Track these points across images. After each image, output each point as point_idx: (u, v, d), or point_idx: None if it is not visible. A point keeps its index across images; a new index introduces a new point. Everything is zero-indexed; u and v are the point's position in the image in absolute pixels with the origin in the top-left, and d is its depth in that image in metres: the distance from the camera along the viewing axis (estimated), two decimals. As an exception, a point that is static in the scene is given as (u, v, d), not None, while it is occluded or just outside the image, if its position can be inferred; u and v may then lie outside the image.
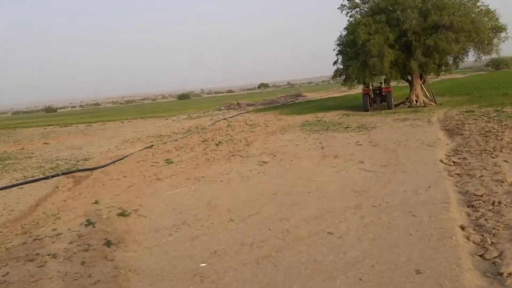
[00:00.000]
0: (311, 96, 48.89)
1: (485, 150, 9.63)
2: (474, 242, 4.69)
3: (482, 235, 4.85)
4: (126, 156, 13.57)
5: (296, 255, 4.70)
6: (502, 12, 22.60)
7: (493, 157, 8.94)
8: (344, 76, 25.35)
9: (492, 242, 4.61)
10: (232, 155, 12.51)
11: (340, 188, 7.59)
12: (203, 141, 16.26)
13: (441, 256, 4.30)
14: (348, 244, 4.87)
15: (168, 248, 5.26)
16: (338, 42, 25.84)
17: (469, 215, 5.62)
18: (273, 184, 8.26)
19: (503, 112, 16.56)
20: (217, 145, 15.14)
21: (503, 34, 22.72)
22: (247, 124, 21.80)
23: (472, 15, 21.96)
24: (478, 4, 22.06)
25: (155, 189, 8.68)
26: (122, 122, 33.03)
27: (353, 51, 23.56)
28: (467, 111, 18.21)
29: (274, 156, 11.72)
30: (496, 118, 15.01)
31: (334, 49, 26.15)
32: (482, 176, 7.47)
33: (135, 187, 8.96)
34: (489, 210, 5.65)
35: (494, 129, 12.64)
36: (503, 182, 6.88)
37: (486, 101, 21.15)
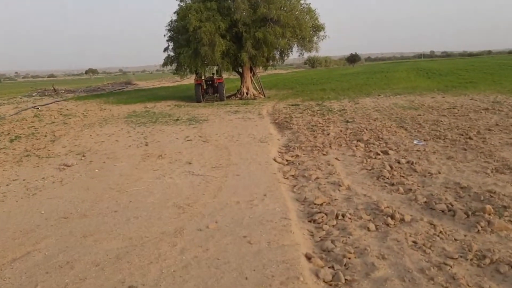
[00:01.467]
0: (143, 84, 45.70)
1: (316, 146, 9.10)
2: (325, 281, 3.50)
3: (333, 267, 3.71)
4: None
5: None
6: (321, 12, 23.99)
7: (324, 154, 8.39)
8: (176, 65, 23.60)
9: (346, 280, 3.48)
10: (27, 156, 9.54)
11: (160, 201, 5.83)
12: (-8, 137, 12.50)
13: (289, 317, 2.94)
14: (157, 309, 3.15)
15: None
16: (169, 28, 23.92)
17: (312, 234, 4.51)
18: (69, 200, 6.00)
19: (324, 106, 17.20)
20: (12, 141, 11.71)
21: (322, 33, 24.13)
22: (61, 114, 18.20)
23: (296, 12, 22.63)
24: (302, 2, 22.84)
25: None
26: None
27: (184, 38, 21.95)
28: (293, 105, 18.48)
29: (84, 156, 9.27)
30: (319, 112, 15.32)
31: (164, 35, 24.18)
32: (318, 178, 6.65)
33: None
34: (333, 226, 4.64)
35: (319, 123, 12.60)
36: (340, 185, 6.12)
37: (307, 96, 22.13)
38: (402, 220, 4.60)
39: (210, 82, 23.98)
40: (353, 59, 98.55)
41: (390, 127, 10.99)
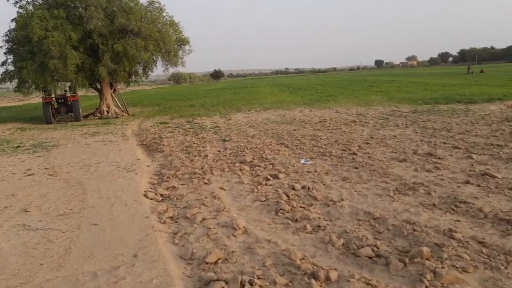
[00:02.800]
0: (-22, 104, 38.26)
1: (195, 173, 7.59)
2: None
3: None
4: None
5: None
6: (186, 25, 22.75)
7: (206, 183, 6.93)
8: (18, 81, 19.64)
9: None
10: None
11: (-36, 288, 3.65)
12: None
13: None
14: None
15: None
16: (7, 38, 19.88)
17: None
18: None
19: (195, 123, 15.83)
20: None
21: (187, 47, 22.85)
22: None
23: (159, 25, 20.94)
24: (164, 14, 21.25)
25: None
26: None
27: (27, 49, 18.38)
28: (161, 123, 16.70)
29: None
30: (191, 130, 13.87)
31: (1, 47, 20.03)
32: (204, 219, 5.14)
33: None
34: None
35: (194, 143, 11.14)
36: (235, 228, 4.72)
37: (176, 112, 20.52)
38: (328, 279, 3.38)
39: (63, 100, 20.61)
40: (217, 75, 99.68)
41: (270, 144, 10.09)
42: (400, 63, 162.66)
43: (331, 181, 6.46)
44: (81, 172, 8.37)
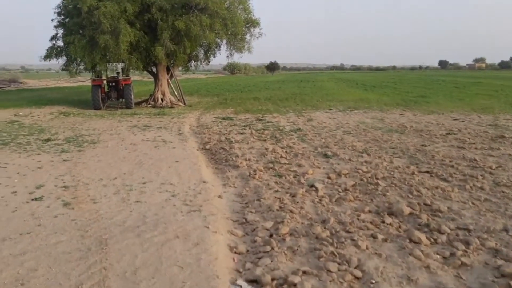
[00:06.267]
0: (34, 83, 36.88)
1: (318, 238, 3.86)
2: None
3: None
4: None
5: None
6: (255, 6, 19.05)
7: (358, 277, 3.19)
8: (65, 58, 16.92)
9: None
10: None
11: None
12: None
13: None
14: None
15: None
16: (58, 11, 17.17)
17: None
18: None
19: (268, 122, 12.17)
20: None
21: (256, 30, 19.19)
22: None
23: (227, 3, 17.40)
24: (233, -11, 17.65)
25: None
26: None
27: (75, 22, 15.55)
28: (224, 118, 13.20)
29: None
30: (267, 132, 10.18)
31: (52, 20, 17.36)
32: None
33: None
34: None
35: (281, 157, 7.43)
36: None
37: (240, 106, 16.97)
38: None
39: (114, 84, 17.60)
40: (272, 67, 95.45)
41: (412, 172, 6.14)
42: (467, 64, 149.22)
43: None
44: (113, 203, 4.90)
